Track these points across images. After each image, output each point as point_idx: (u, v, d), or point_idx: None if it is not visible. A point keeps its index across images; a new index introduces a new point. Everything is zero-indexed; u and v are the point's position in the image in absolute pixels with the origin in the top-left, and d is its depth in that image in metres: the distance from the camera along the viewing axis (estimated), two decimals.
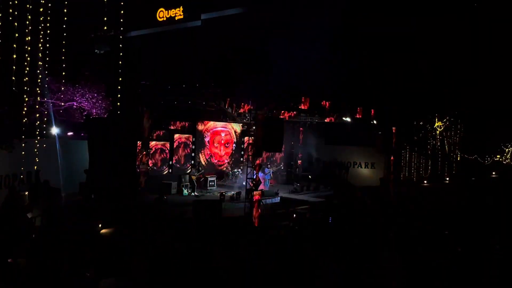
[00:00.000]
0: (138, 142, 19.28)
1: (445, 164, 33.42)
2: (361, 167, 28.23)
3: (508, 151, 36.76)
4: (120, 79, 15.76)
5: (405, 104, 26.63)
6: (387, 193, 23.06)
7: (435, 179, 31.38)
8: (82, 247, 10.21)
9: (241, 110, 21.53)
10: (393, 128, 23.40)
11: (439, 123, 33.05)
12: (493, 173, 34.59)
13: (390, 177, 23.45)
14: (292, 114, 22.59)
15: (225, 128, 24.66)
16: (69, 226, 12.77)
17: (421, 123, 32.21)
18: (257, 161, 16.09)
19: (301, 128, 25.76)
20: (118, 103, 16.05)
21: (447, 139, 33.89)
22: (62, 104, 15.23)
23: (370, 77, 28.46)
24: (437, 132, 33.23)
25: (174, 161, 21.79)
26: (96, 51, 14.03)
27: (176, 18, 12.68)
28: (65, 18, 13.74)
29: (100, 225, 14.49)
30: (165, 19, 12.72)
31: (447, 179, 32.75)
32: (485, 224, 9.68)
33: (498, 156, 36.80)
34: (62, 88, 15.08)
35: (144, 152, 19.30)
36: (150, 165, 20.23)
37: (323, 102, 19.04)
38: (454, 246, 7.89)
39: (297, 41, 20.43)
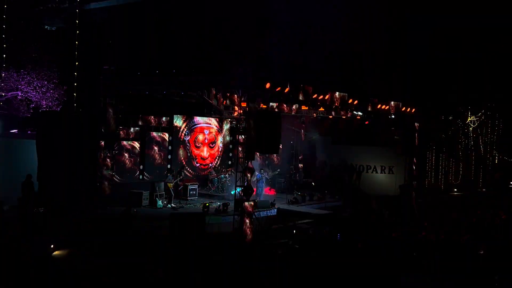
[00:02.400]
0: (101, 141, 19.05)
1: (479, 168, 33.49)
2: (377, 172, 28.15)
3: None
4: (77, 63, 15.53)
5: (431, 95, 26.66)
6: (408, 204, 23.01)
7: (467, 186, 31.41)
8: (29, 273, 9.96)
9: (229, 102, 21.34)
10: (416, 124, 23.34)
11: (472, 118, 33.14)
12: None
13: (413, 185, 23.38)
14: (292, 107, 22.48)
15: (210, 124, 24.47)
16: (11, 248, 12.50)
17: (450, 118, 32.23)
18: (249, 165, 15.91)
19: (303, 125, 25.61)
20: (75, 93, 15.83)
21: (482, 137, 33.98)
22: (3, 94, 14.93)
23: (388, 61, 28.59)
24: (470, 129, 33.30)
25: (145, 165, 21.54)
26: (46, 27, 13.76)
27: None
28: None
29: (52, 246, 14.22)
30: None
31: (482, 186, 32.82)
32: None
33: None
34: (3, 74, 14.79)
35: (108, 154, 19.05)
36: (115, 170, 19.94)
37: (329, 93, 18.86)
38: (490, 271, 7.76)
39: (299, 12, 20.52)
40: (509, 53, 30.16)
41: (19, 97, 15.66)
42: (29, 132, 19.96)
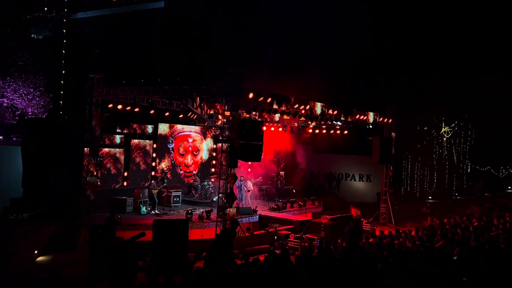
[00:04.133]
0: (86, 148, 18.87)
1: (453, 176, 33.96)
2: (355, 180, 28.43)
3: None
4: (64, 71, 15.40)
5: (407, 105, 26.99)
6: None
7: (441, 194, 31.80)
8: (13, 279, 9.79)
9: (213, 111, 21.37)
10: (393, 134, 23.63)
11: (446, 128, 33.63)
12: (509, 187, 35.33)
13: (388, 192, 23.62)
14: (273, 117, 22.60)
15: (193, 132, 24.43)
16: None
17: (425, 128, 32.65)
18: (231, 172, 15.92)
19: (284, 133, 25.75)
20: (61, 101, 15.67)
21: (456, 147, 34.49)
22: None
23: (366, 72, 28.95)
24: (444, 139, 33.79)
25: (130, 172, 21.39)
26: (33, 36, 13.63)
27: None
28: None
29: (36, 252, 14.02)
30: None
31: (456, 194, 33.27)
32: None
33: None
34: None
35: (93, 161, 18.87)
36: (99, 177, 19.74)
37: (311, 103, 19.03)
38: (461, 275, 7.89)
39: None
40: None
41: (5, 104, 15.46)
42: (14, 139, 19.67)
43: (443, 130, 33.64)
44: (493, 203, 25.00)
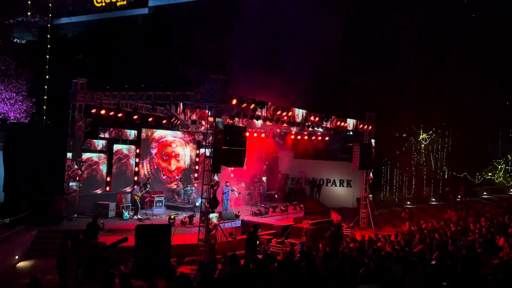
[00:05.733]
0: (69, 153, 18.60)
1: (430, 182, 34.30)
2: (336, 185, 28.54)
3: (501, 168, 38.27)
4: (47, 76, 15.16)
5: (384, 113, 27.26)
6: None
7: (419, 199, 32.10)
8: None
9: (196, 117, 21.26)
10: (373, 141, 23.81)
11: (424, 136, 34.00)
12: (485, 193, 35.83)
13: (368, 197, 23.77)
14: (256, 123, 22.57)
15: (177, 138, 24.27)
16: None
17: (404, 135, 32.97)
18: (214, 178, 15.81)
19: (267, 139, 25.75)
20: (44, 106, 15.42)
21: (433, 154, 34.86)
22: None
23: (346, 81, 29.17)
24: (422, 146, 34.14)
25: (112, 177, 21.12)
26: (15, 40, 13.39)
27: (118, 4, 12.35)
28: None
29: (16, 257, 13.74)
30: (103, 4, 12.34)
31: (433, 200, 33.61)
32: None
33: (489, 174, 38.20)
34: None
35: (76, 166, 18.59)
36: (81, 182, 19.45)
37: (292, 109, 19.06)
38: (440, 279, 7.94)
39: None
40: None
41: None
42: None
43: (421, 137, 34.01)
44: (467, 208, 25.30)
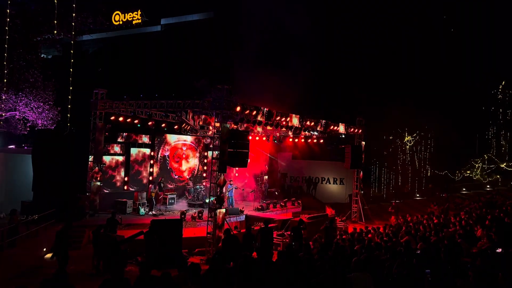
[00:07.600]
0: (90, 156, 18.63)
1: (415, 180, 34.26)
2: (330, 183, 28.51)
3: (478, 166, 38.23)
4: (71, 87, 15.19)
5: (375, 117, 27.24)
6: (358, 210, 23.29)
7: (405, 195, 32.06)
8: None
9: (204, 123, 21.26)
10: (363, 143, 23.79)
11: (409, 138, 33.98)
12: (464, 189, 35.77)
13: (359, 193, 23.73)
14: (257, 128, 22.55)
15: (187, 141, 24.29)
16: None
17: (391, 137, 32.96)
18: (222, 177, 15.80)
19: (267, 142, 25.73)
20: (68, 114, 15.45)
21: (417, 154, 34.83)
22: (2, 114, 14.44)
23: (340, 87, 29.19)
24: (407, 147, 34.10)
25: (129, 177, 21.15)
26: (43, 55, 13.42)
27: (134, 22, 12.37)
28: (7, 19, 13.09)
29: (44, 249, 13.75)
30: (121, 23, 12.37)
31: (418, 195, 33.55)
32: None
33: (468, 172, 38.18)
34: (3, 97, 14.30)
35: (97, 168, 18.62)
36: (102, 181, 19.47)
37: (290, 115, 19.05)
38: (424, 267, 7.90)
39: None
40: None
41: (17, 117, 15.14)
42: (25, 147, 19.35)
43: (406, 139, 33.98)
44: (448, 203, 25.24)
